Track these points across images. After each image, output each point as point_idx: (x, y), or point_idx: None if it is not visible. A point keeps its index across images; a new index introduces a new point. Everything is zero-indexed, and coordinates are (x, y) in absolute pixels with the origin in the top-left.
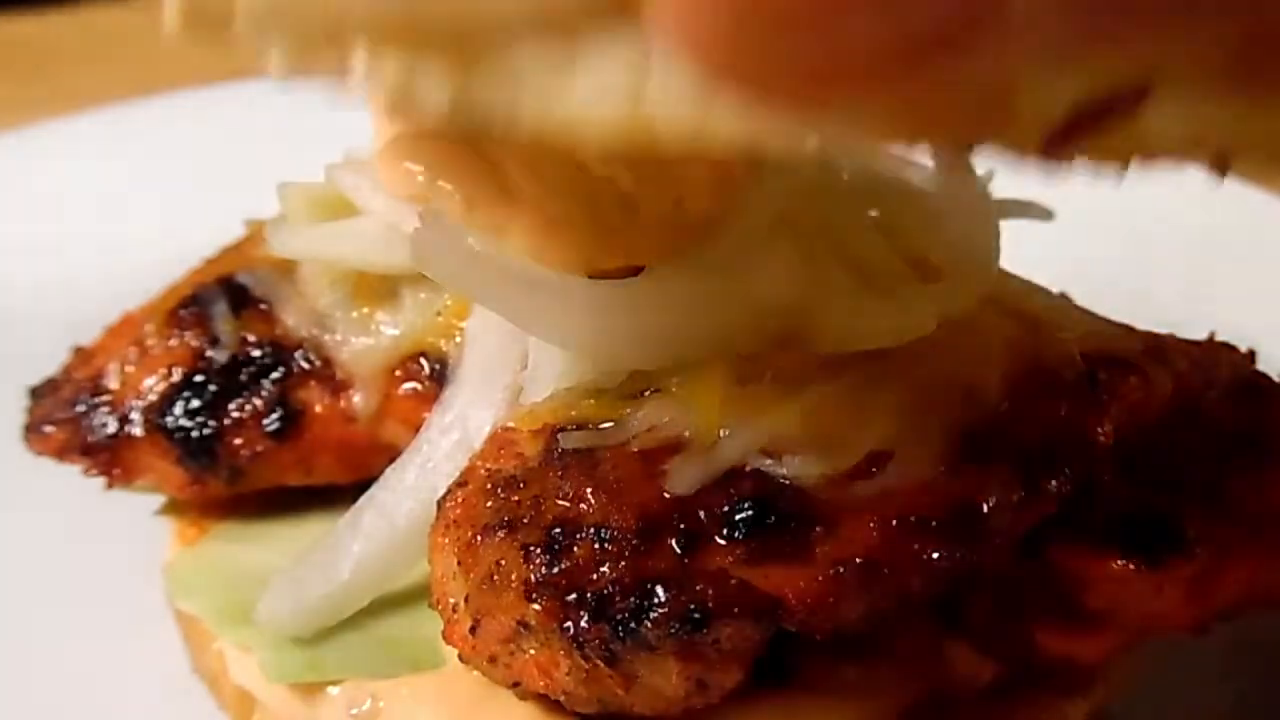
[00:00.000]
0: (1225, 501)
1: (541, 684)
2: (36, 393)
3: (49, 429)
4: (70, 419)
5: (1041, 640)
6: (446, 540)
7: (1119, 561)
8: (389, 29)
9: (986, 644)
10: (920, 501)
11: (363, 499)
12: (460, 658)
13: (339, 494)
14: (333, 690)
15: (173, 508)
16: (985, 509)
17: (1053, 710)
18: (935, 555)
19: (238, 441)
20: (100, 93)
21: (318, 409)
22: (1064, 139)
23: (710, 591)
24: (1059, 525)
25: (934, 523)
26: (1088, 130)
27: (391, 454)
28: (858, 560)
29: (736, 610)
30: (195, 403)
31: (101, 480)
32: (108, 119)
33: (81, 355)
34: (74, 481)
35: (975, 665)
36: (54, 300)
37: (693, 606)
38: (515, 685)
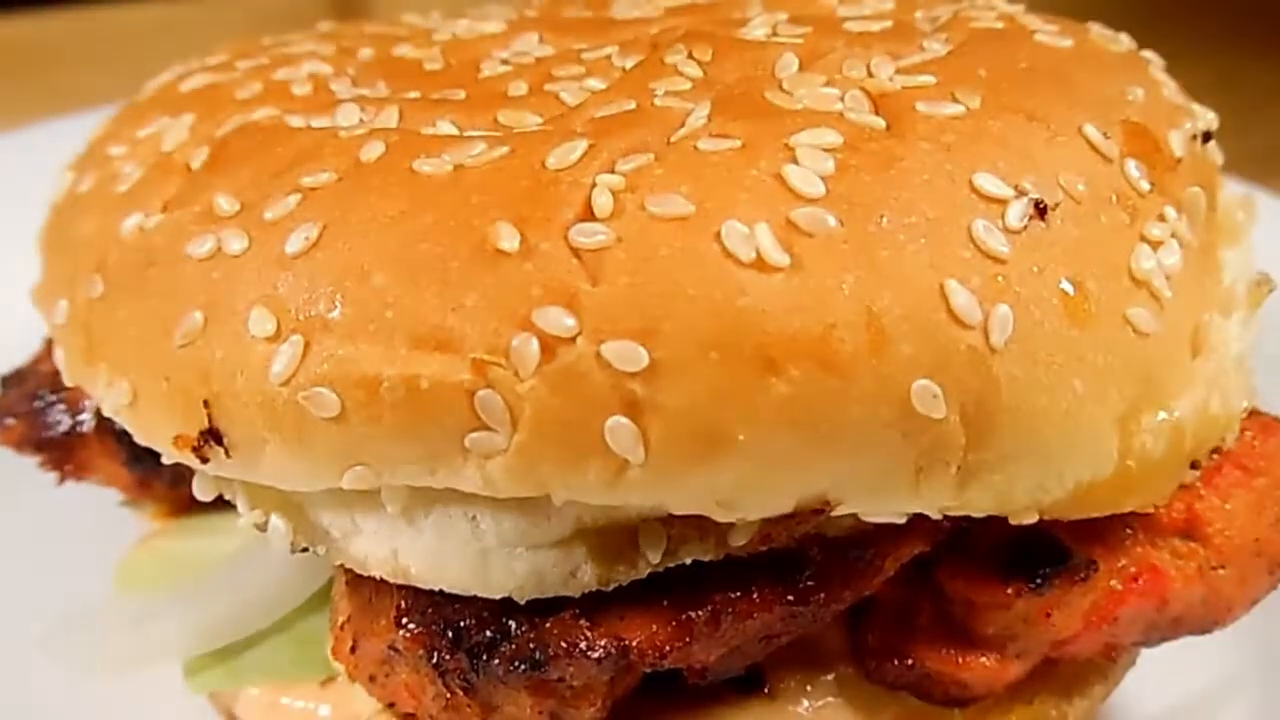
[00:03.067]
0: (1130, 522)
1: (411, 706)
2: (6, 383)
3: (10, 421)
4: (29, 413)
5: (934, 666)
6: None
7: (1005, 587)
8: (256, 491)
9: (880, 668)
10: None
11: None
12: (346, 674)
13: None
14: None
15: (134, 500)
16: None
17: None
18: (790, 597)
19: None
20: (97, 93)
21: None
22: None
23: (556, 634)
24: (950, 549)
25: (787, 564)
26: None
27: None
28: (708, 605)
29: (578, 653)
30: None
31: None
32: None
33: (49, 348)
34: None
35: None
36: None
37: (534, 648)
38: (391, 705)
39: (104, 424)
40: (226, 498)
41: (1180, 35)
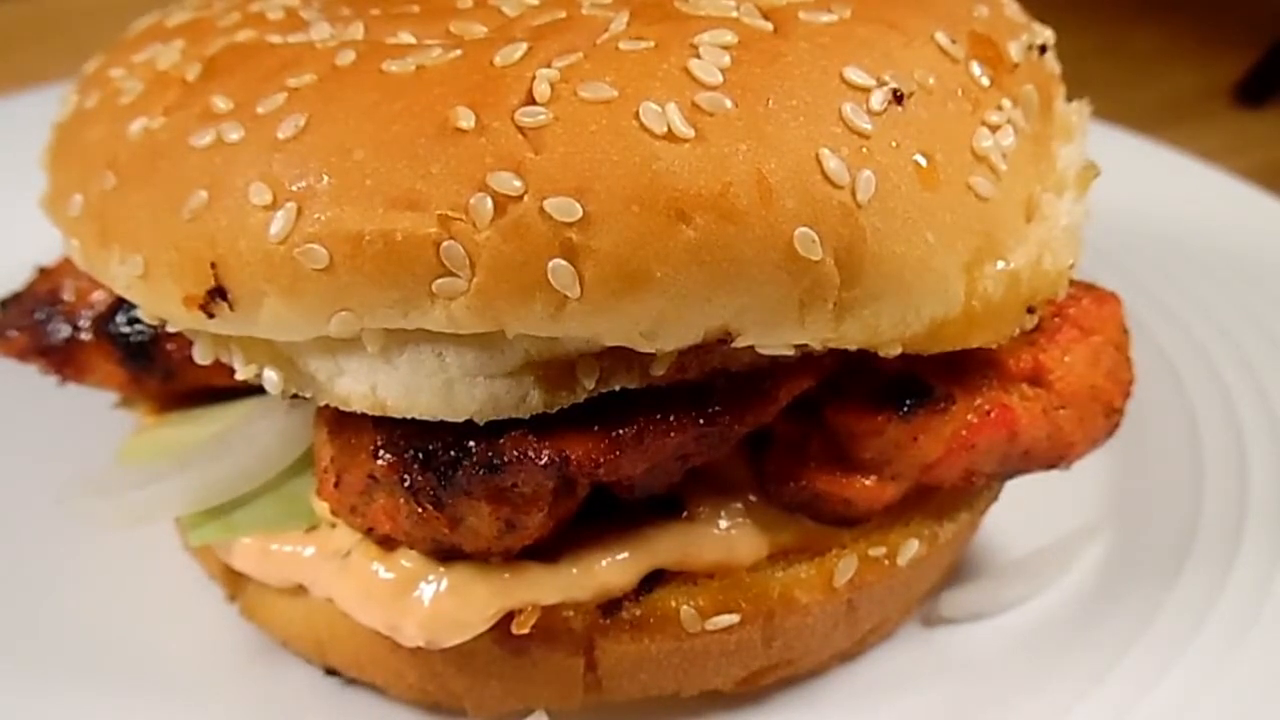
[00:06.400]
0: (984, 370)
1: (388, 528)
2: (4, 305)
3: (12, 334)
4: (30, 326)
5: (823, 487)
6: (322, 418)
7: (878, 416)
8: (250, 347)
9: (779, 492)
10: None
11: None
12: (330, 511)
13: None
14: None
15: (128, 401)
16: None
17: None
18: (701, 420)
19: (170, 346)
20: (51, 73)
21: None
22: (682, 369)
23: (509, 446)
24: (835, 391)
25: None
26: (698, 355)
27: None
28: (634, 426)
29: (528, 460)
30: (135, 313)
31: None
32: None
33: (43, 274)
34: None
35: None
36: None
37: (491, 457)
38: (370, 531)
39: (100, 330)
40: (224, 360)
41: (1068, 3)
